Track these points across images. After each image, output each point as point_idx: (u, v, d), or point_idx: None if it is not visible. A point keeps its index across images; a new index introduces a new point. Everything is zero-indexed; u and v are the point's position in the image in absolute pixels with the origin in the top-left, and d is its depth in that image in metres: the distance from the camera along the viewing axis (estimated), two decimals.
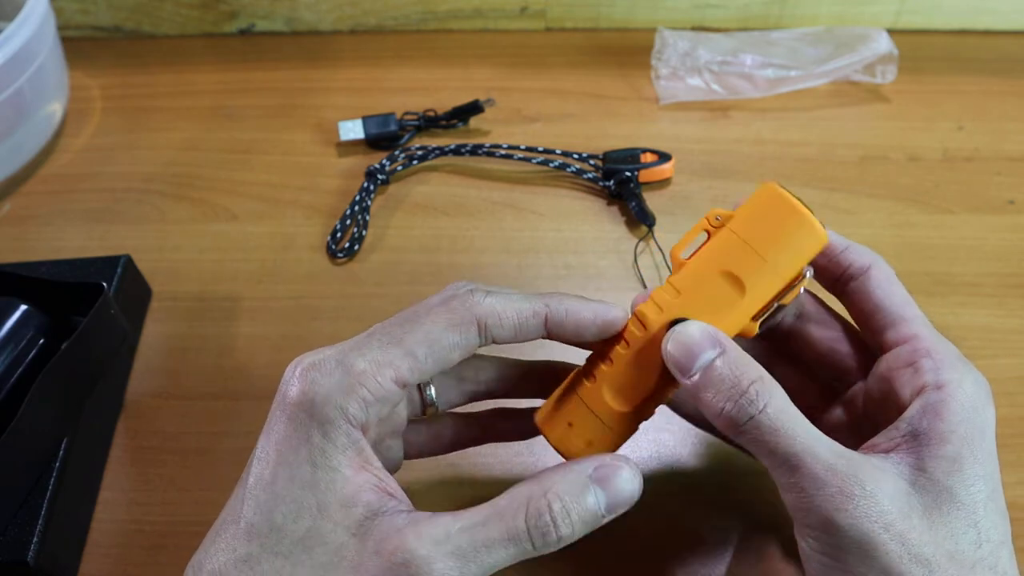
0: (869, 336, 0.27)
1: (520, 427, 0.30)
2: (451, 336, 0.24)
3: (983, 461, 0.23)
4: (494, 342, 0.25)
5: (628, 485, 0.23)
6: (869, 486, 0.22)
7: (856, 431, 0.28)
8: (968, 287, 0.41)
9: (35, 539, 0.29)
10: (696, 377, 0.23)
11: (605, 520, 0.23)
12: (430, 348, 0.24)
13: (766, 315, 0.25)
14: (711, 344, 0.24)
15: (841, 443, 0.28)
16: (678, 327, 0.24)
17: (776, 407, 0.23)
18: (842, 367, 0.29)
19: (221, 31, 0.59)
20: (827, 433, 0.29)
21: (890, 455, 0.23)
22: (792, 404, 0.23)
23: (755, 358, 0.30)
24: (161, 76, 0.56)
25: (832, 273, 0.28)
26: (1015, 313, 0.40)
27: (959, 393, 0.23)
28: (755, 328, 0.25)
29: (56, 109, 0.50)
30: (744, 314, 0.25)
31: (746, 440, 0.23)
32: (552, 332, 0.25)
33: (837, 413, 0.29)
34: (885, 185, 0.47)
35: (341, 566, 0.21)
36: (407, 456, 0.29)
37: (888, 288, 0.26)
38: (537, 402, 0.28)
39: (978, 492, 0.22)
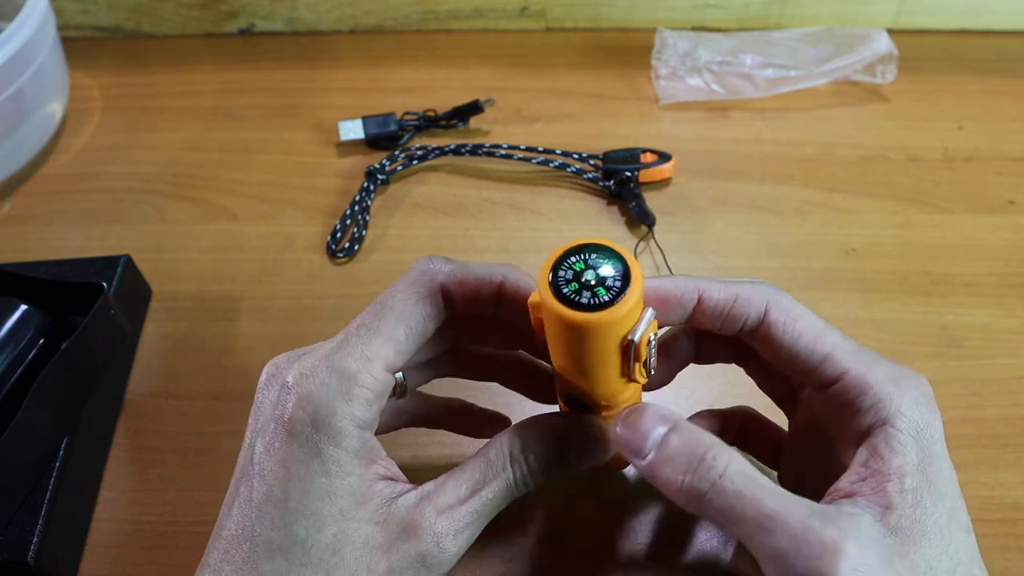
0: (793, 377, 0.26)
1: (474, 426, 0.32)
2: (421, 308, 0.25)
3: (938, 482, 0.22)
4: (456, 309, 0.26)
5: (594, 445, 0.26)
6: (851, 540, 0.21)
7: (818, 432, 0.27)
8: (968, 287, 0.41)
9: (35, 539, 0.29)
10: (651, 456, 0.23)
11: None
12: (407, 326, 0.24)
13: (641, 364, 0.24)
14: (660, 420, 0.23)
15: (809, 442, 0.28)
16: (626, 413, 0.24)
17: (736, 470, 0.22)
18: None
19: (221, 31, 0.59)
20: (798, 432, 0.29)
21: (857, 500, 0.23)
22: (752, 466, 0.23)
23: (731, 341, 0.29)
24: (161, 76, 0.56)
25: (730, 332, 0.26)
26: (1015, 313, 0.40)
27: (902, 422, 0.23)
28: (644, 378, 0.25)
29: (56, 109, 0.50)
30: (606, 391, 0.25)
31: (712, 511, 0.22)
32: (506, 306, 0.26)
33: (801, 409, 0.29)
34: (885, 185, 0.47)
35: (374, 555, 0.23)
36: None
37: (792, 330, 0.24)
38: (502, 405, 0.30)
39: (940, 516, 0.22)
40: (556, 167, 0.47)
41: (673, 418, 0.24)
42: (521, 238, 0.44)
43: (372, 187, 0.46)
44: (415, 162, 0.48)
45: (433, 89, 0.53)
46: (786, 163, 0.48)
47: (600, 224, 0.45)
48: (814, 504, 0.22)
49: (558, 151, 0.47)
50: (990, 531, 0.32)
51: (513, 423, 0.32)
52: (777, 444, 0.30)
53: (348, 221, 0.45)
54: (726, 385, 0.37)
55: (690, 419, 0.30)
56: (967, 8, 0.56)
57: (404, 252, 0.44)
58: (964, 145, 0.49)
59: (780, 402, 0.30)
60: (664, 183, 0.47)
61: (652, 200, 0.45)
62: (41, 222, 0.46)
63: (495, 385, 0.30)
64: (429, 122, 0.51)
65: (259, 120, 0.52)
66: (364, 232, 0.44)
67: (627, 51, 0.56)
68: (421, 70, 0.55)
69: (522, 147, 0.48)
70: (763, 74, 0.52)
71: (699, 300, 0.25)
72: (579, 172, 0.47)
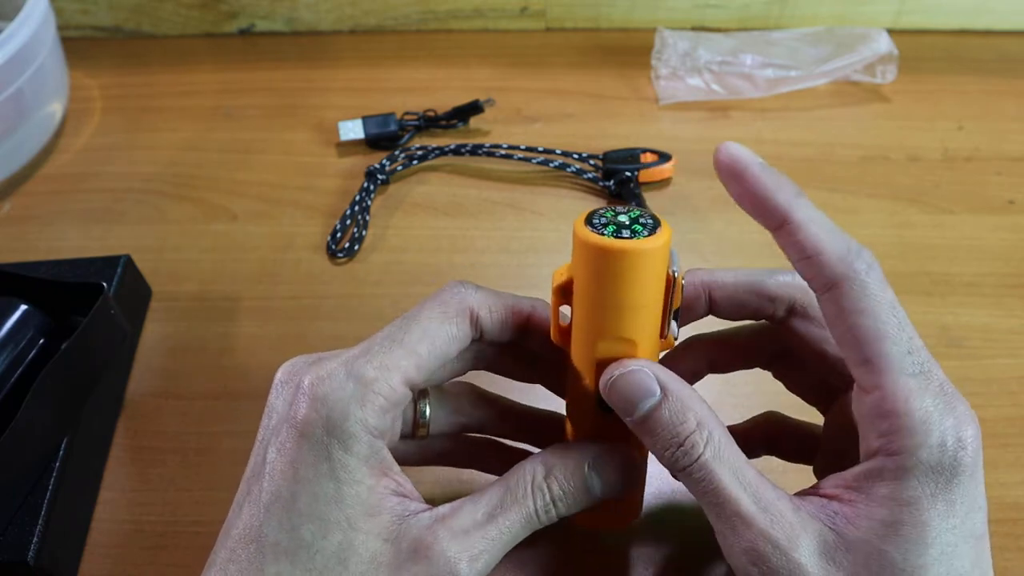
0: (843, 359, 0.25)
1: (504, 465, 0.30)
2: (447, 328, 0.25)
3: (929, 526, 0.21)
4: (483, 336, 0.26)
5: (622, 473, 0.25)
6: (783, 544, 0.21)
7: (851, 433, 0.26)
8: (968, 287, 0.41)
9: (35, 539, 0.29)
10: (636, 421, 0.23)
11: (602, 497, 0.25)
12: (431, 344, 0.24)
13: (670, 324, 0.24)
14: (651, 391, 0.23)
15: (840, 444, 0.27)
16: (619, 372, 0.23)
17: (712, 453, 0.22)
18: (834, 368, 0.27)
19: (221, 31, 0.59)
20: (832, 435, 0.28)
21: (830, 503, 0.22)
22: (732, 445, 0.23)
23: (754, 349, 0.29)
24: (161, 76, 0.56)
25: (798, 277, 0.24)
26: (1014, 313, 0.40)
27: (910, 462, 0.21)
28: (671, 341, 0.25)
29: (56, 109, 0.50)
30: (646, 349, 0.24)
31: (683, 480, 0.23)
32: (532, 336, 0.26)
33: (836, 411, 0.28)
34: (885, 185, 0.47)
35: (380, 573, 0.22)
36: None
37: (855, 319, 0.22)
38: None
39: (917, 559, 0.21)
40: (556, 167, 0.47)
41: (667, 385, 0.23)
42: (521, 238, 0.44)
43: (372, 187, 0.46)
44: (415, 162, 0.48)
45: (433, 89, 0.53)
46: (786, 163, 0.48)
47: None
48: (771, 499, 0.22)
49: (558, 151, 0.48)
50: (990, 531, 0.32)
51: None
52: (809, 441, 0.29)
53: (348, 221, 0.45)
54: (727, 385, 0.37)
55: None
56: (967, 8, 0.56)
57: (404, 252, 0.44)
58: (964, 145, 0.49)
59: (815, 404, 0.29)
60: (664, 183, 0.47)
61: (652, 200, 0.45)
62: (41, 222, 0.46)
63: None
64: (429, 122, 0.51)
65: (259, 120, 0.52)
66: (364, 232, 0.44)
67: (627, 51, 0.56)
68: (421, 70, 0.55)
69: (522, 147, 0.48)
70: (763, 74, 0.52)
71: (784, 225, 0.23)
72: (579, 172, 0.47)
